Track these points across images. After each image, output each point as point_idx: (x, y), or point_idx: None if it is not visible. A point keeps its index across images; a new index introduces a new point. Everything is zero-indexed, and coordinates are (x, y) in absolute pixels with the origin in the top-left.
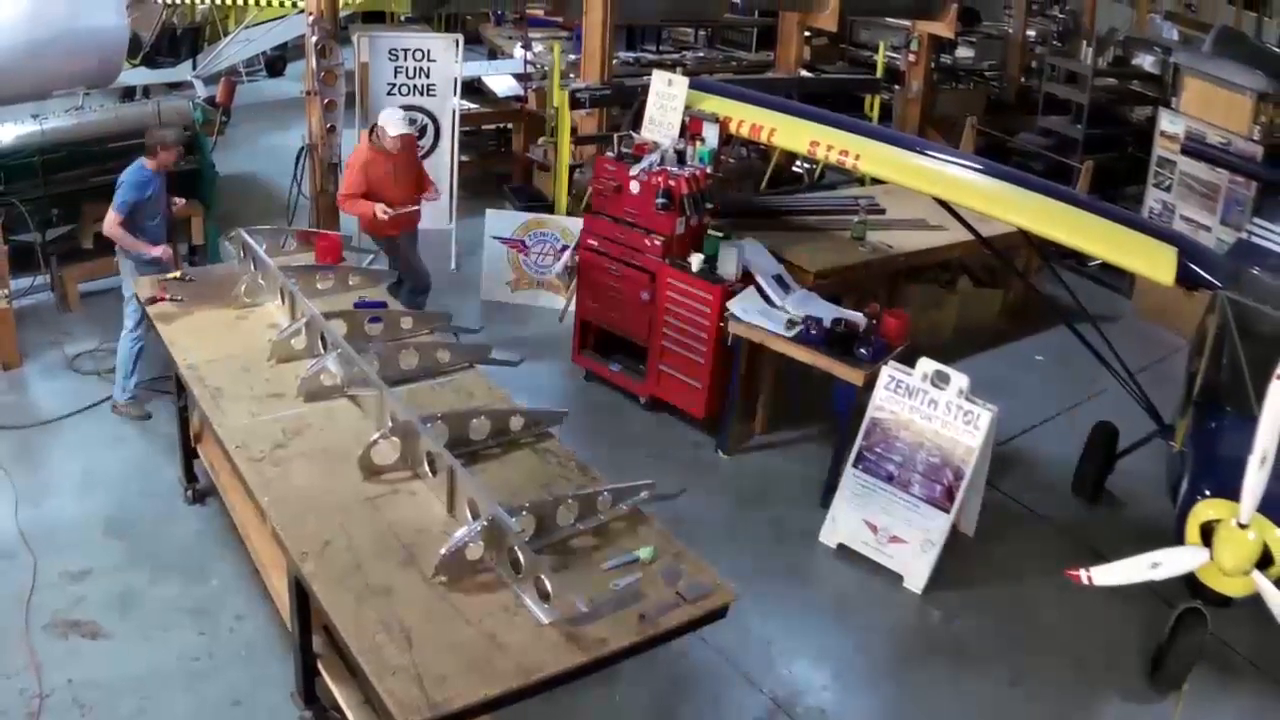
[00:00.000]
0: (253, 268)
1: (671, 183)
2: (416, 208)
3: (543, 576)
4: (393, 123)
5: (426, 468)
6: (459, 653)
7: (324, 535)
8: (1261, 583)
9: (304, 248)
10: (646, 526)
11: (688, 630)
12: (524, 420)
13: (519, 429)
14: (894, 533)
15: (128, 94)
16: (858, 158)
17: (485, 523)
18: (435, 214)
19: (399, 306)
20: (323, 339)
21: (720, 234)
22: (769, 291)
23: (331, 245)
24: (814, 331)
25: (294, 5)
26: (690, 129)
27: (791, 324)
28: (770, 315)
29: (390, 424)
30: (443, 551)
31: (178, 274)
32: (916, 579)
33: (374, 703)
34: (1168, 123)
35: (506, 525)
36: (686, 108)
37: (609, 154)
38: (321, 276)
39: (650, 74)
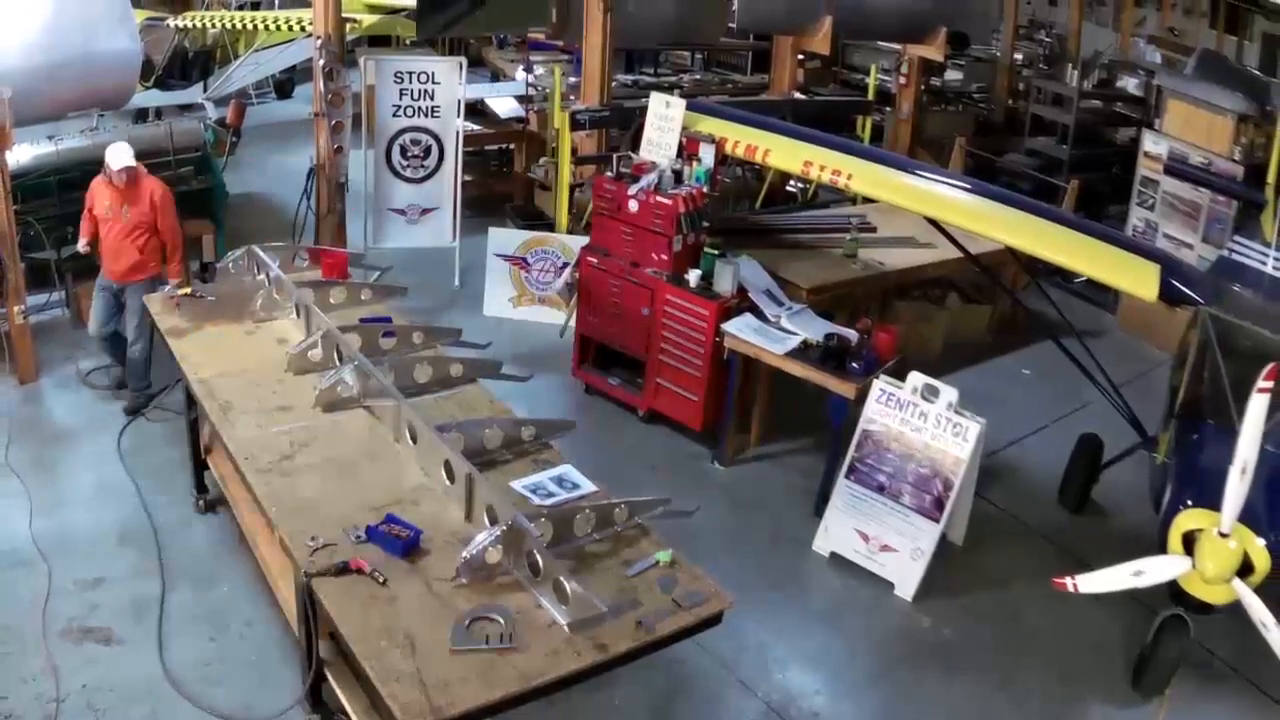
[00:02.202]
0: (267, 283)
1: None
2: (134, 258)
3: (562, 579)
4: (113, 154)
5: (444, 474)
6: (461, 658)
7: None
8: (1242, 590)
9: (316, 264)
10: (648, 538)
11: (683, 637)
12: (534, 431)
13: (529, 439)
14: (885, 541)
15: (141, 115)
16: (850, 177)
17: (505, 527)
18: (438, 232)
19: (405, 322)
20: (338, 352)
21: (716, 251)
22: (762, 307)
23: (337, 262)
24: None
25: (302, 29)
26: (687, 149)
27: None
28: (765, 331)
29: (407, 433)
30: (465, 555)
31: (188, 290)
32: (907, 586)
33: (379, 707)
34: (1151, 143)
35: (527, 530)
36: (684, 129)
37: (608, 173)
38: (335, 292)
39: (648, 96)
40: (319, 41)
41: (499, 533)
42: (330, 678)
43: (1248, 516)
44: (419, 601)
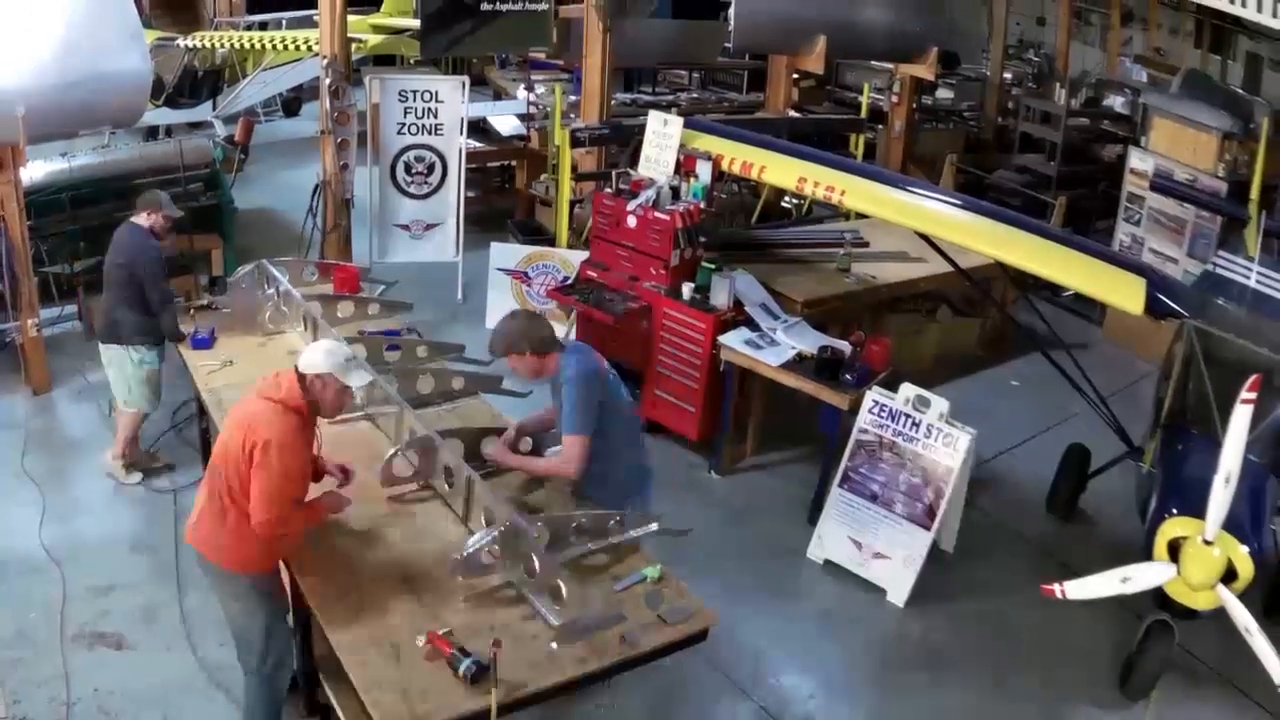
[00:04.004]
0: (276, 297)
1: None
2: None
3: (559, 581)
4: (349, 368)
5: (443, 481)
6: (445, 669)
7: (326, 555)
8: (1226, 596)
9: (324, 278)
10: (638, 552)
11: (667, 653)
12: (532, 444)
13: (527, 451)
14: (878, 549)
15: (151, 133)
16: (843, 193)
17: (502, 529)
18: (442, 247)
19: (414, 336)
20: None
21: (713, 266)
22: (758, 320)
23: (349, 276)
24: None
25: (309, 49)
26: (685, 166)
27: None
28: (760, 344)
29: (409, 439)
30: (465, 552)
31: (205, 301)
32: (899, 593)
33: (369, 714)
34: (1137, 160)
35: (524, 530)
36: (681, 146)
37: (607, 190)
38: (342, 305)
39: (647, 114)
40: (325, 61)
41: (496, 533)
42: (325, 684)
43: (1231, 524)
44: (408, 614)
